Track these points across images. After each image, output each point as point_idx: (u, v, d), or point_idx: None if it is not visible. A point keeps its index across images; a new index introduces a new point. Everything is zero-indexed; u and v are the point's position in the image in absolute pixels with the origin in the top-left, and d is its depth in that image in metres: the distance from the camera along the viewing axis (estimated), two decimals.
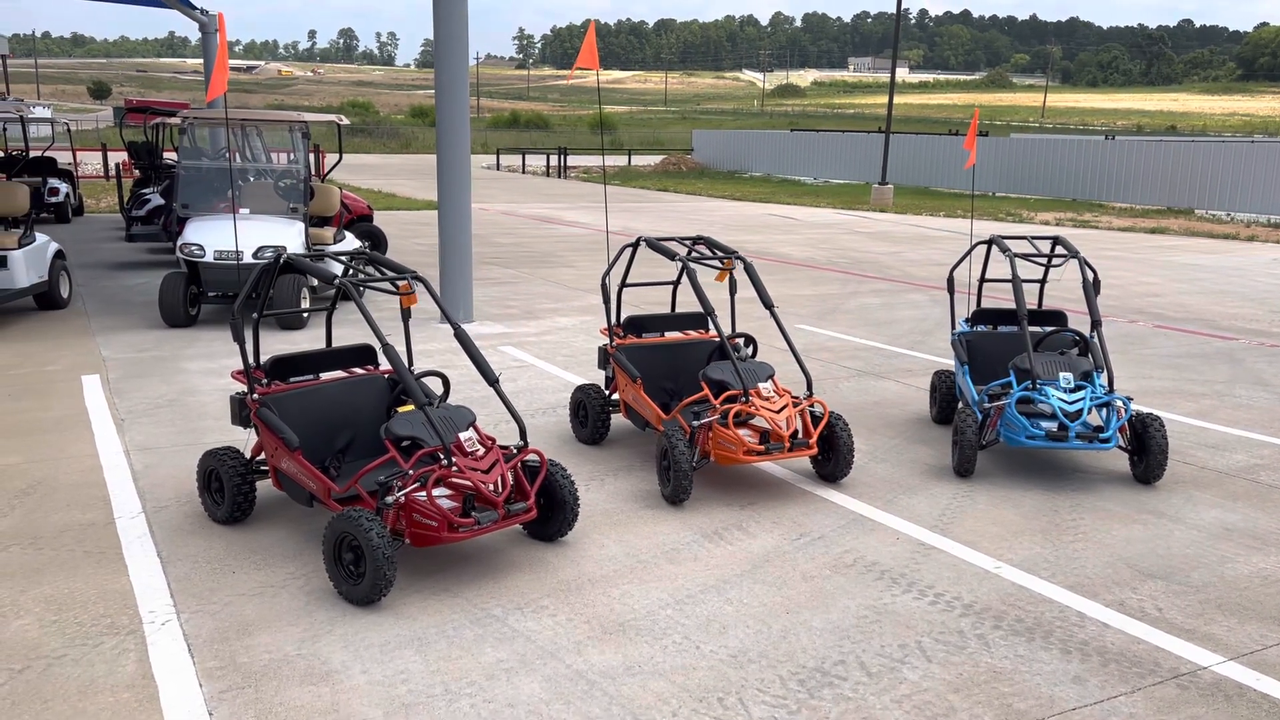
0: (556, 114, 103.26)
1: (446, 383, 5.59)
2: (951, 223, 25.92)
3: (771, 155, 44.70)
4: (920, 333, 11.57)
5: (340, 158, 13.45)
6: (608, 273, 6.99)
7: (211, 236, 10.82)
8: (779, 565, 5.14)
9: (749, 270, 6.60)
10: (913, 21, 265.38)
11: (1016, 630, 4.49)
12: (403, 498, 4.71)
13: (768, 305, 6.53)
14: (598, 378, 8.77)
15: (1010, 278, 6.96)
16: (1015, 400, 6.38)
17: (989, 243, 7.59)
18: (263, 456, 5.57)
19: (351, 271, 5.56)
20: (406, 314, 5.73)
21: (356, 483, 4.89)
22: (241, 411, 5.58)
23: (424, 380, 5.50)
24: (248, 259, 10.65)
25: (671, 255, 6.57)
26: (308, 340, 10.22)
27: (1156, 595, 4.87)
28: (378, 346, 4.91)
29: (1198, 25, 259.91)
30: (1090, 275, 7.05)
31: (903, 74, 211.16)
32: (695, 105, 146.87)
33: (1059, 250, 7.39)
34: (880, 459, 6.87)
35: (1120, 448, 6.41)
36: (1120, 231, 24.44)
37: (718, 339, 7.25)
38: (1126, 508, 6.02)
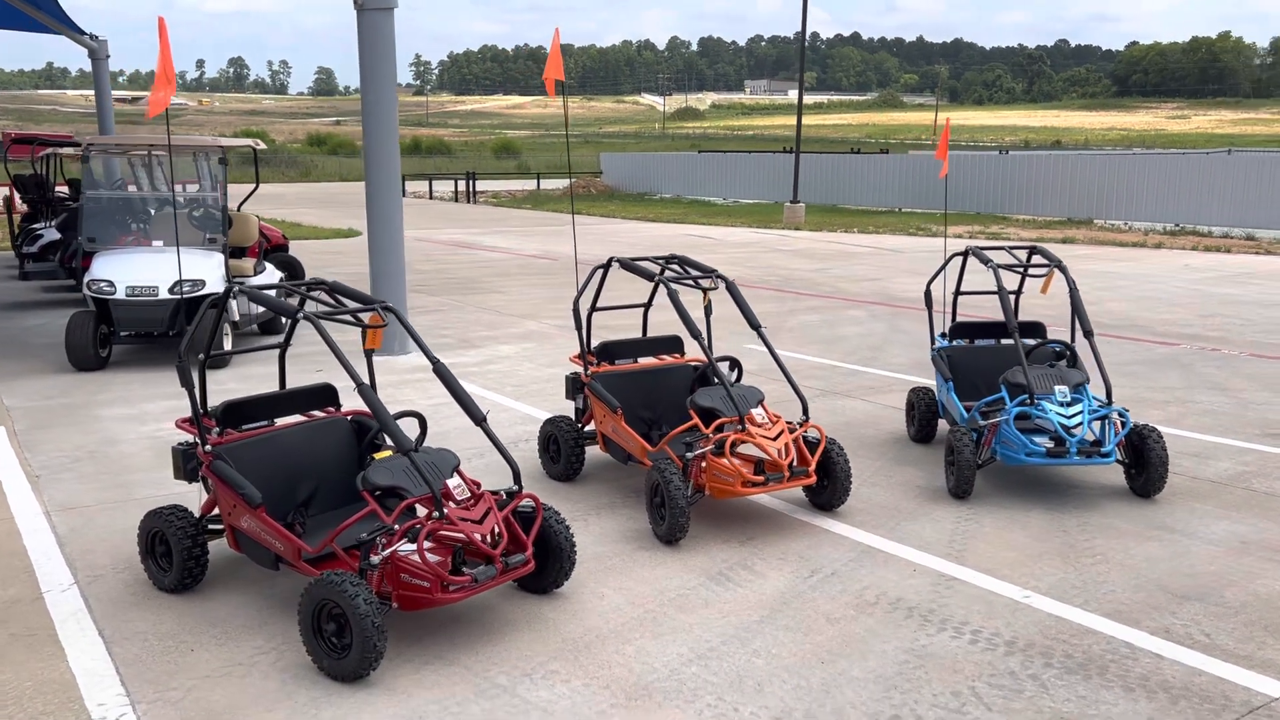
0: (458, 140, 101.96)
1: (424, 424, 5.07)
2: (868, 238, 26.09)
3: (680, 177, 44.67)
4: (869, 349, 11.37)
5: (257, 185, 12.71)
6: (579, 296, 6.55)
7: (123, 271, 10.02)
8: (798, 608, 4.74)
9: (731, 289, 6.23)
10: (805, 44, 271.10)
11: (1069, 668, 4.17)
12: (388, 556, 4.18)
13: (754, 325, 6.18)
14: (554, 408, 8.30)
15: (995, 289, 6.73)
16: (1015, 417, 6.13)
17: (965, 254, 7.38)
18: (215, 514, 4.97)
19: (305, 303, 5.01)
20: (370, 354, 5.21)
21: (332, 541, 4.34)
22: (187, 464, 4.97)
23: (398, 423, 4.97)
24: (164, 294, 9.89)
25: (650, 276, 6.17)
26: (233, 379, 9.52)
27: (1199, 619, 4.61)
28: (353, 386, 4.40)
29: (1073, 44, 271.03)
30: (1069, 286, 6.88)
31: (798, 95, 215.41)
32: (597, 129, 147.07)
33: (1039, 260, 7.20)
34: (870, 483, 6.54)
35: (1117, 460, 6.20)
36: (1033, 242, 24.87)
37: (694, 363, 6.87)
38: (1134, 524, 5.80)
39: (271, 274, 11.95)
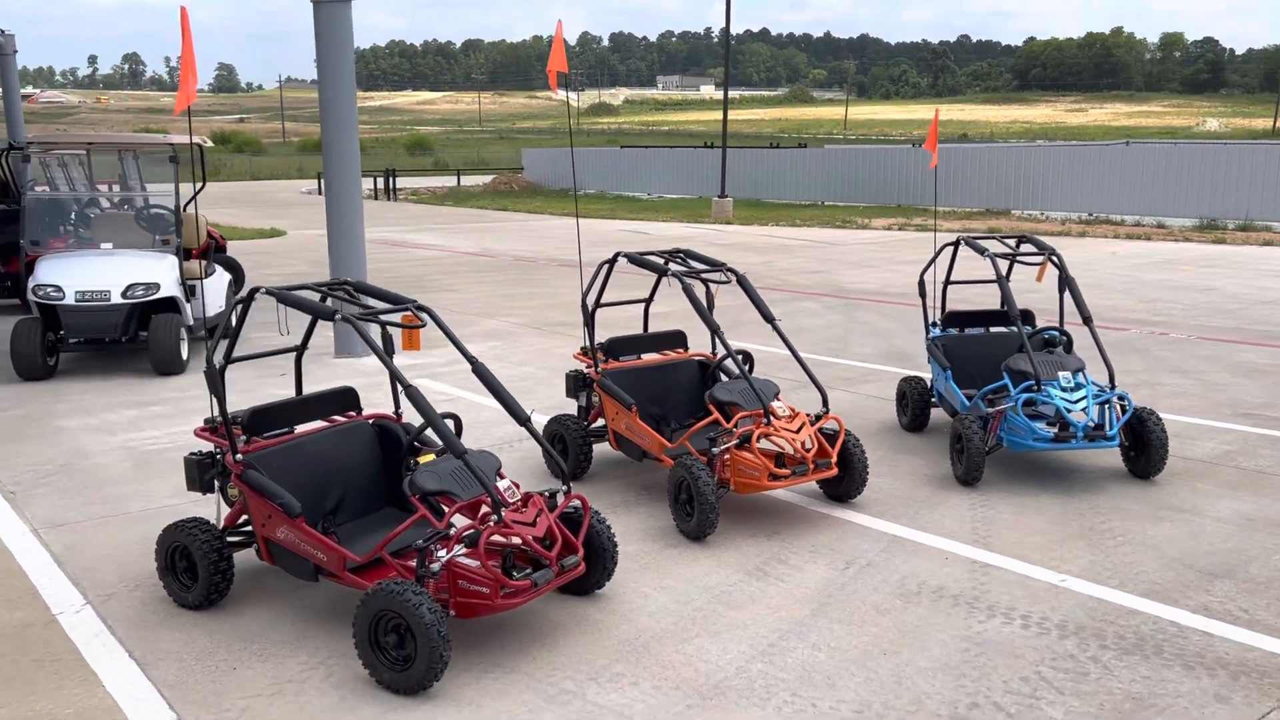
0: (369, 136, 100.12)
1: (459, 426, 4.92)
2: (798, 231, 26.35)
3: (603, 172, 44.55)
4: (834, 340, 11.46)
5: (203, 184, 12.19)
6: (587, 293, 6.45)
7: (71, 276, 9.56)
8: (844, 600, 4.73)
9: (742, 282, 6.20)
10: (715, 40, 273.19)
11: (1125, 648, 4.24)
12: (446, 562, 4.05)
13: (768, 318, 6.15)
14: (535, 407, 8.18)
15: (979, 279, 6.83)
16: (1022, 403, 6.22)
17: (956, 244, 7.48)
18: (241, 525, 4.76)
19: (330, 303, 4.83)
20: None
21: (383, 548, 4.19)
22: (204, 474, 4.75)
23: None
24: (117, 299, 9.47)
25: (662, 271, 6.10)
26: (193, 385, 9.17)
27: (1233, 596, 4.74)
28: (399, 389, 4.24)
29: (975, 40, 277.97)
30: (1064, 274, 7.03)
31: (709, 91, 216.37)
32: (511, 124, 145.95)
33: (1029, 249, 7.34)
34: (875, 472, 6.56)
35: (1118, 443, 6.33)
36: (962, 233, 25.37)
37: (699, 357, 6.83)
38: (1143, 505, 5.94)
39: (221, 276, 11.56)
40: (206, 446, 4.82)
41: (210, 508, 5.57)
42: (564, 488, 4.55)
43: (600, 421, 6.48)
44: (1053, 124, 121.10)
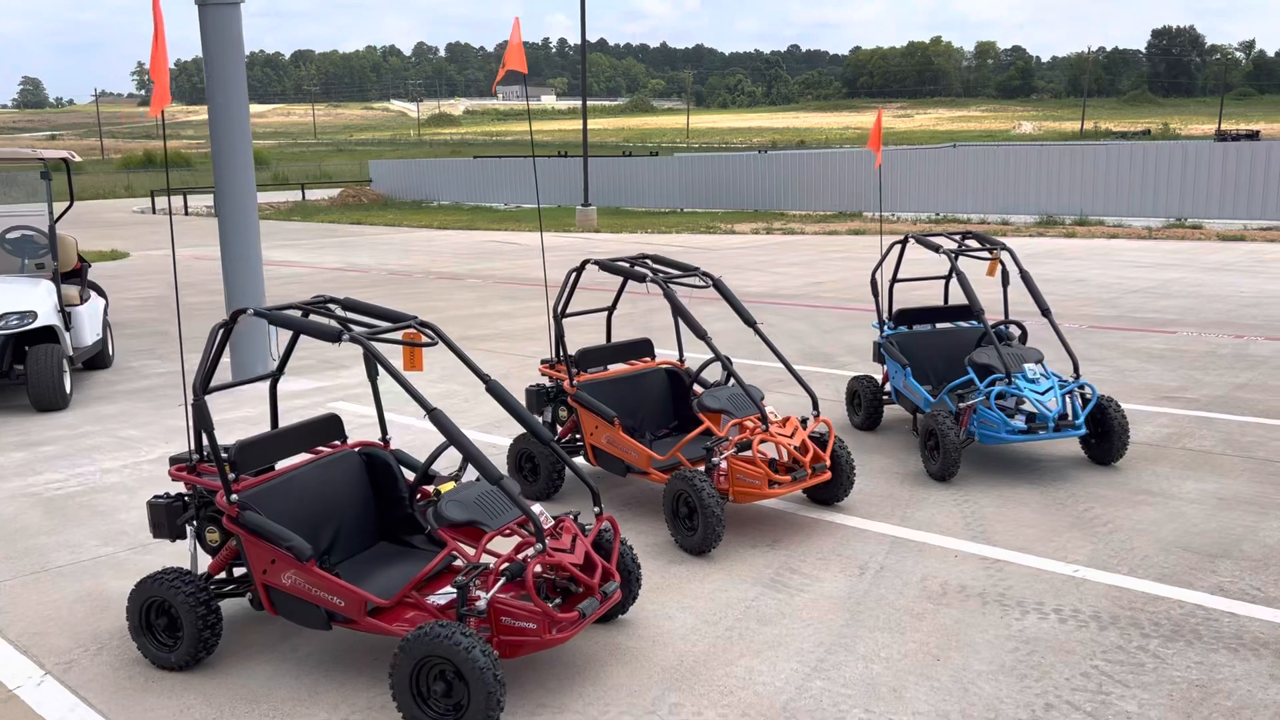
0: (196, 151, 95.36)
1: None
2: (669, 238, 26.44)
3: (457, 183, 43.83)
4: (750, 343, 11.39)
5: (71, 202, 11.23)
6: (558, 303, 6.16)
7: None
8: (874, 607, 4.61)
9: (719, 286, 6.04)
10: (553, 50, 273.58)
11: (1166, 635, 4.26)
12: (489, 599, 3.71)
13: (749, 322, 6.02)
14: (464, 425, 7.82)
15: (935, 275, 6.88)
16: (994, 396, 6.27)
17: (904, 242, 7.52)
18: (223, 574, 4.28)
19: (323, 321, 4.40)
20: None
21: (413, 588, 3.82)
22: (175, 520, 4.26)
23: (439, 455, 4.45)
24: None
25: (640, 277, 5.87)
26: (82, 421, 8.39)
27: (1239, 574, 4.85)
28: (423, 412, 3.86)
29: (804, 50, 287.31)
30: (1019, 268, 7.17)
31: (550, 100, 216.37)
32: (348, 136, 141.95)
33: (974, 245, 7.45)
34: None
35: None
36: (826, 235, 26.02)
37: (666, 365, 6.64)
38: (1116, 490, 6.07)
39: (97, 301, 10.67)
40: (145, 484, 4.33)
41: (151, 555, 5.07)
42: (595, 509, 4.27)
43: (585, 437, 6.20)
44: (882, 129, 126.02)
